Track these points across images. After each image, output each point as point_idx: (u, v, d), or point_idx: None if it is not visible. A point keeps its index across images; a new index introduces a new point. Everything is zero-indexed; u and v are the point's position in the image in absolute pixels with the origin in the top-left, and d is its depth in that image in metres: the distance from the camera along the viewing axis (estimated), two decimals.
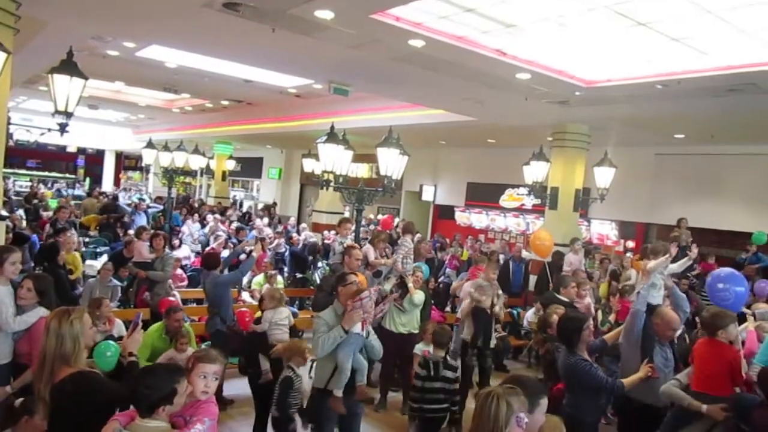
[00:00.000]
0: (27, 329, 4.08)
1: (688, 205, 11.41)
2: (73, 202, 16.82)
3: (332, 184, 7.68)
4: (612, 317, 7.29)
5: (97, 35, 8.83)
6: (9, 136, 6.14)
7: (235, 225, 14.02)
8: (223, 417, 5.04)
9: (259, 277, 9.42)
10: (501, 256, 10.62)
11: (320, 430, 4.17)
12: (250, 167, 25.45)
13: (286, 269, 11.41)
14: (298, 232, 13.41)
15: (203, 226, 14.26)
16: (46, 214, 13.97)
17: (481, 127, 11.99)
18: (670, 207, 11.77)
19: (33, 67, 10.28)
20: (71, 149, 29.97)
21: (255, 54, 8.35)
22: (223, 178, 22.80)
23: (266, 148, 23.56)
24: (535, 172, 10.56)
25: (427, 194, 17.77)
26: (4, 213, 6.36)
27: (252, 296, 8.99)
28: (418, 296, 6.52)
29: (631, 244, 13.14)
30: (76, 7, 6.63)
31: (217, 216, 15.51)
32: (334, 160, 7.57)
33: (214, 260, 6.75)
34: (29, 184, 25.00)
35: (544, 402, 2.61)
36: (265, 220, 16.07)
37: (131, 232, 10.83)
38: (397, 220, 16.00)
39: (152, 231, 8.92)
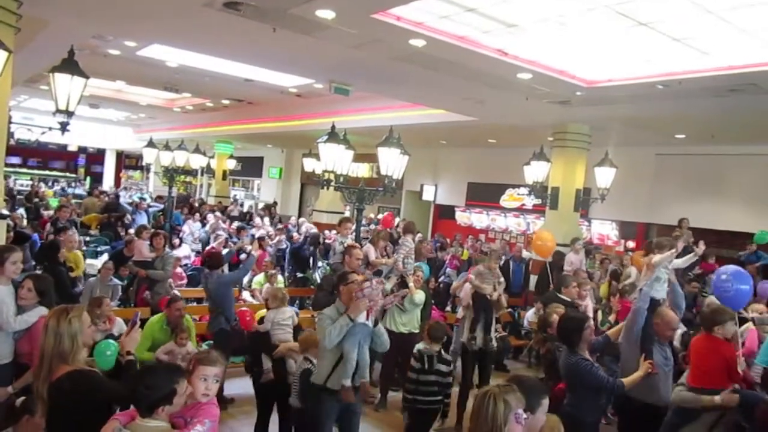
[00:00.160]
0: (27, 329, 4.09)
1: (689, 205, 11.40)
2: (73, 201, 16.83)
3: (333, 183, 7.68)
4: (612, 317, 7.28)
5: (98, 34, 8.84)
6: (10, 135, 6.14)
7: (236, 225, 14.04)
8: (223, 416, 5.03)
9: (260, 277, 9.43)
10: (502, 257, 10.61)
11: (319, 428, 4.17)
12: (251, 167, 25.46)
13: (286, 267, 11.41)
14: (299, 232, 13.42)
15: (204, 225, 14.27)
16: (47, 213, 13.98)
17: (481, 127, 11.99)
18: (670, 207, 11.77)
19: (34, 66, 10.28)
20: (72, 148, 29.96)
21: (256, 53, 8.35)
22: (224, 178, 22.81)
23: (267, 147, 23.57)
24: (535, 172, 10.56)
25: (428, 194, 17.77)
26: (5, 212, 6.35)
27: (252, 295, 9.00)
28: (419, 296, 6.55)
29: (631, 244, 13.14)
30: (77, 6, 6.63)
31: (218, 214, 15.51)
32: (335, 159, 7.57)
33: (217, 260, 6.75)
34: (30, 182, 25.01)
35: (545, 402, 2.62)
36: (266, 219, 16.08)
37: (132, 231, 10.85)
38: (397, 219, 16.00)
39: (152, 230, 8.93)
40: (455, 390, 6.34)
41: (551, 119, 10.30)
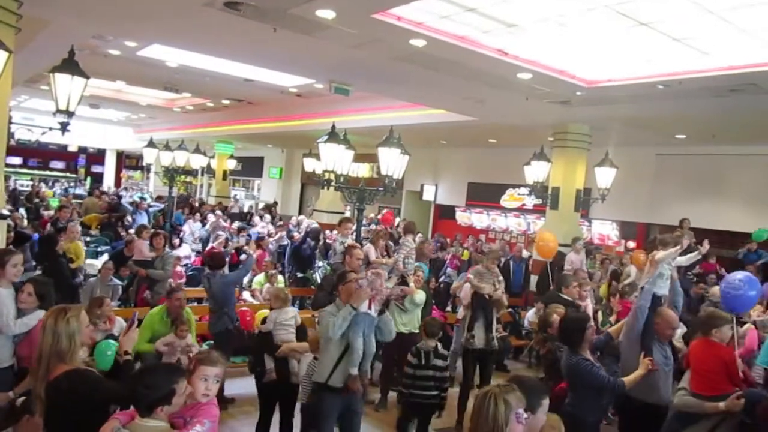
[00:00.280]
0: (27, 333, 4.08)
1: (689, 205, 11.40)
2: (74, 201, 16.83)
3: (333, 183, 7.68)
4: (613, 318, 7.28)
5: (99, 34, 8.84)
6: (11, 135, 6.14)
7: (236, 225, 14.04)
8: (224, 416, 5.04)
9: (260, 277, 9.44)
10: (501, 259, 10.61)
11: (320, 428, 4.16)
12: (251, 166, 25.47)
13: (286, 266, 11.41)
14: (299, 230, 13.42)
15: (204, 225, 14.27)
16: (47, 213, 13.99)
17: (482, 127, 11.99)
18: (671, 207, 11.77)
19: (34, 66, 10.28)
20: (72, 148, 29.97)
21: (256, 53, 8.35)
22: (224, 178, 22.82)
23: (267, 147, 23.58)
24: (536, 172, 10.55)
25: (428, 194, 17.77)
26: (5, 212, 6.35)
27: (253, 295, 9.00)
28: (419, 296, 6.55)
29: (632, 244, 13.13)
30: (78, 6, 6.63)
31: (218, 212, 15.50)
32: (335, 159, 7.57)
33: (219, 260, 6.73)
34: (30, 183, 25.01)
35: (545, 402, 2.63)
36: (267, 217, 16.09)
37: (132, 231, 10.85)
38: (398, 219, 16.01)
39: (153, 230, 8.94)
40: (455, 390, 6.36)
41: (551, 119, 10.30)
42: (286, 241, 11.97)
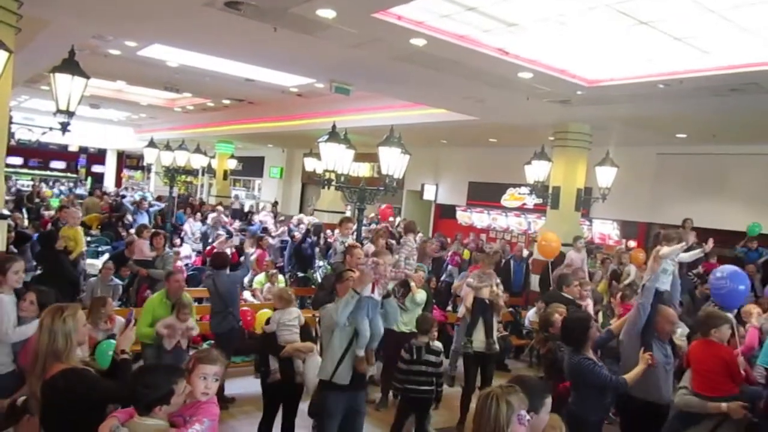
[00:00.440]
0: (27, 340, 4.06)
1: (690, 204, 11.38)
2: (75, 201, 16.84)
3: (334, 183, 7.68)
4: (614, 320, 7.26)
5: (99, 34, 8.84)
6: (11, 135, 6.14)
7: (237, 225, 14.05)
8: (224, 416, 5.04)
9: (260, 276, 9.44)
10: (502, 259, 10.60)
11: (323, 427, 4.15)
12: (252, 166, 25.47)
13: (286, 265, 11.41)
14: (299, 229, 13.42)
15: (204, 225, 14.26)
16: (47, 214, 13.99)
17: (482, 127, 11.98)
18: (671, 207, 11.76)
19: (35, 66, 10.28)
20: (73, 148, 29.99)
21: (256, 53, 8.35)
22: (225, 177, 22.81)
23: (268, 147, 23.57)
24: (536, 171, 10.55)
25: (429, 193, 17.76)
26: (5, 212, 6.35)
27: (253, 295, 9.00)
28: (420, 295, 6.55)
29: (632, 243, 13.12)
30: (78, 6, 6.63)
31: (219, 208, 15.48)
32: (336, 159, 7.57)
33: (222, 259, 6.71)
34: (31, 183, 25.03)
35: (548, 401, 2.63)
36: (269, 215, 16.12)
37: (132, 231, 10.84)
38: (398, 219, 16.00)
39: (153, 230, 8.93)
40: (456, 389, 6.36)
41: (552, 118, 10.30)
42: (287, 237, 11.97)
